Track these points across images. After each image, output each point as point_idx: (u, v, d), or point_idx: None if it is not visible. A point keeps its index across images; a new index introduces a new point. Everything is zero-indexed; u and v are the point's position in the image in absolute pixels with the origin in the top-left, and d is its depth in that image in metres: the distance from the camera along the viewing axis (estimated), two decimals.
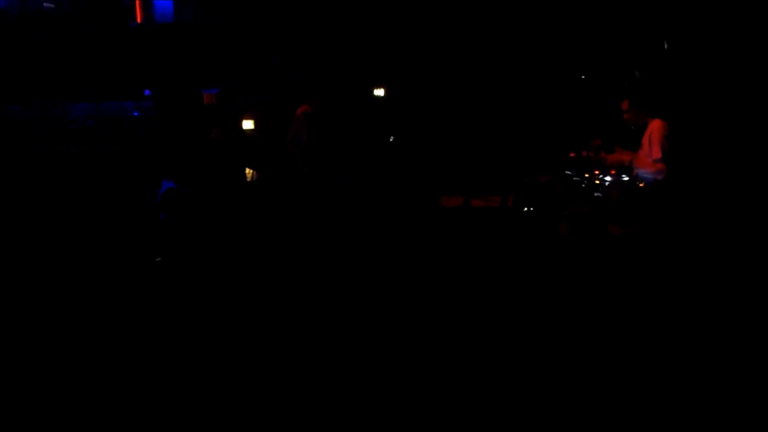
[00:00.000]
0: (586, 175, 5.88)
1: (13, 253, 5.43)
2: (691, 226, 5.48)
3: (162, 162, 7.25)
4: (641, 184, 5.72)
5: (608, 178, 5.82)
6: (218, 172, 7.25)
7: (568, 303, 4.77)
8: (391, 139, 7.66)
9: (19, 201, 6.37)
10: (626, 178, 5.78)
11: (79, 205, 6.54)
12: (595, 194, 5.81)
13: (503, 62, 7.99)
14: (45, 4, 9.02)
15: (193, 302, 4.97)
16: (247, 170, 7.65)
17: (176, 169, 7.03)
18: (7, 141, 7.93)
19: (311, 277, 5.36)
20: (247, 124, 8.27)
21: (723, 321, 4.47)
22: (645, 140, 5.75)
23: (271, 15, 8.85)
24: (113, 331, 4.54)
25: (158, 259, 5.77)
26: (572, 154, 6.01)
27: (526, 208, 5.94)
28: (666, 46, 6.66)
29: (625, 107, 5.90)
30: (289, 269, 5.53)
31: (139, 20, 9.24)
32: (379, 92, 8.23)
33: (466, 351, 4.25)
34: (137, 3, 9.16)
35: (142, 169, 7.18)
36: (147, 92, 8.77)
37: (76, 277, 5.38)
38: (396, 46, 8.36)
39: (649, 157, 5.68)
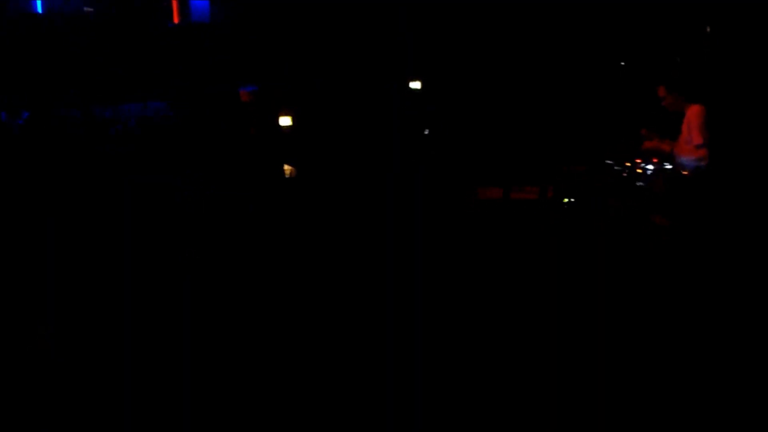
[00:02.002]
0: (628, 165, 5.76)
1: (51, 252, 5.49)
2: (736, 216, 5.34)
3: (199, 159, 7.30)
4: (684, 172, 5.60)
5: (650, 167, 5.70)
6: (256, 169, 7.26)
7: (612, 296, 4.68)
8: (426, 132, 7.59)
9: (62, 198, 6.45)
10: (669, 167, 5.66)
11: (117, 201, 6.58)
12: (638, 184, 5.69)
13: (540, 50, 7.88)
14: (85, 8, 9.13)
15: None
16: (286, 167, 7.66)
17: (213, 164, 7.07)
18: (53, 141, 8.05)
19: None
20: (285, 121, 8.28)
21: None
22: (684, 127, 5.64)
23: (305, 12, 8.86)
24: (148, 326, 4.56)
25: (191, 252, 5.76)
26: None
27: (566, 200, 5.85)
28: (708, 30, 6.51)
29: (662, 93, 5.77)
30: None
31: (176, 20, 9.31)
32: (415, 85, 8.17)
33: (504, 343, 4.20)
34: (174, 3, 9.23)
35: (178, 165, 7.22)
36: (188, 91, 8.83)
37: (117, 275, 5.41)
38: (430, 36, 8.30)
39: (689, 144, 5.57)
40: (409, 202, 6.32)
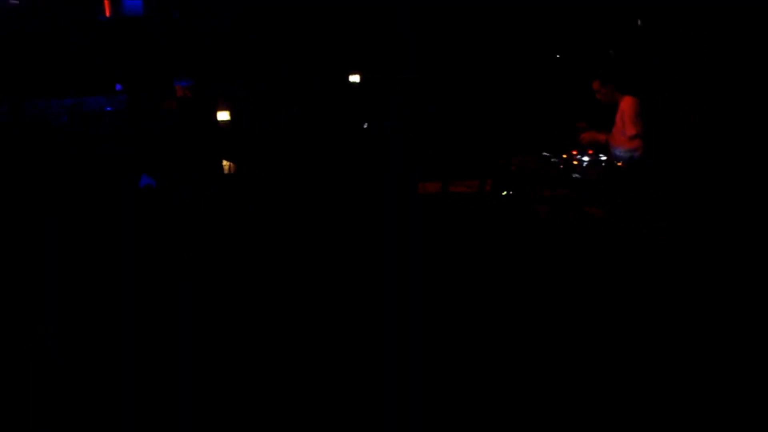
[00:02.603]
0: (564, 156, 5.84)
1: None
2: (670, 205, 5.46)
3: (138, 157, 7.16)
4: (619, 164, 5.71)
5: (586, 159, 5.79)
6: (195, 164, 7.16)
7: (550, 290, 4.72)
8: (365, 126, 7.58)
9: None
10: (604, 158, 5.76)
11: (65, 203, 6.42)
12: (574, 175, 5.78)
13: (476, 44, 7.92)
14: (11, 1, 8.87)
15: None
16: (224, 162, 7.58)
17: (154, 163, 6.94)
18: None
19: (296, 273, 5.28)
20: (222, 116, 8.19)
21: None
22: (618, 118, 5.78)
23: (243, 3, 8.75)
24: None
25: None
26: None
27: (504, 192, 5.90)
28: (639, 23, 6.63)
29: (596, 87, 5.90)
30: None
31: (107, 14, 9.10)
32: (354, 78, 8.15)
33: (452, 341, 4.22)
34: None
35: (121, 165, 7.08)
36: (118, 87, 8.65)
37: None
38: (371, 33, 8.28)
39: (623, 135, 5.71)
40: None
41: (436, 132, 7.57)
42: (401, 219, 5.67)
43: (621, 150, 5.74)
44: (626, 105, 5.76)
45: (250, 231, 5.91)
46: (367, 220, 5.85)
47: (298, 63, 8.55)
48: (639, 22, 6.54)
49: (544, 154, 5.88)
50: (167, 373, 3.94)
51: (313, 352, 4.16)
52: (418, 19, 8.02)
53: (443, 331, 4.36)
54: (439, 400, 3.68)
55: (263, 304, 4.77)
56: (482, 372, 3.88)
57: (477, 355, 4.08)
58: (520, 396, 3.66)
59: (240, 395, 3.79)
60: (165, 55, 8.81)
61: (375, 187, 6.39)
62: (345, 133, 7.46)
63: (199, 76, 8.55)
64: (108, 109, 8.71)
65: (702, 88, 5.94)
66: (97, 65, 8.72)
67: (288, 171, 6.98)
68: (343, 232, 5.75)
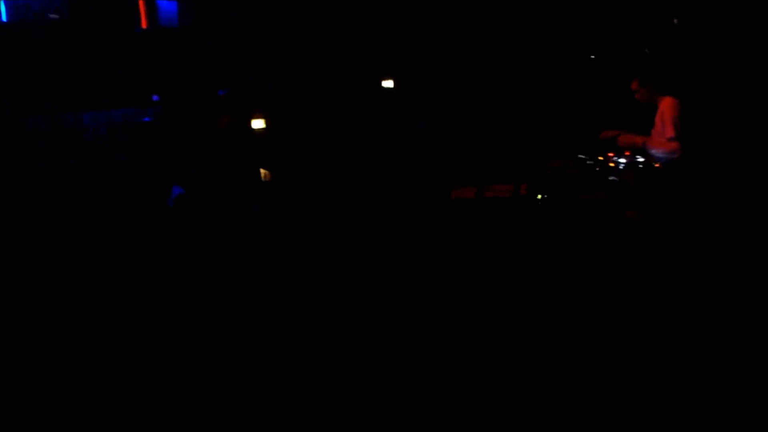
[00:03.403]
0: (600, 158, 5.74)
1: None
2: (709, 209, 5.33)
3: (173, 167, 7.21)
4: (657, 165, 5.59)
5: (623, 161, 5.68)
6: (231, 173, 7.18)
7: (583, 295, 4.65)
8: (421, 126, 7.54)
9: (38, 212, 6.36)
10: (641, 160, 5.64)
11: (97, 214, 6.49)
12: (610, 178, 5.67)
13: (508, 45, 7.85)
14: (50, 15, 9.01)
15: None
16: (261, 170, 7.59)
17: (188, 173, 6.98)
18: (23, 153, 7.94)
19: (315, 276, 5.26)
20: (257, 124, 8.21)
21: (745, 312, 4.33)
22: (657, 119, 5.67)
23: (275, 12, 8.79)
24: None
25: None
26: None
27: (540, 196, 5.81)
28: (676, 21, 6.50)
29: (635, 87, 5.79)
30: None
31: (144, 25, 9.22)
32: (388, 84, 8.12)
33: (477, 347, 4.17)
34: (141, 8, 9.13)
35: (155, 175, 7.14)
36: (155, 98, 8.73)
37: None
38: (401, 36, 8.26)
39: (662, 137, 5.59)
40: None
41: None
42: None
43: (659, 151, 5.62)
44: (666, 106, 5.64)
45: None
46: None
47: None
48: (675, 21, 6.41)
49: (580, 156, 5.78)
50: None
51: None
52: (447, 18, 7.99)
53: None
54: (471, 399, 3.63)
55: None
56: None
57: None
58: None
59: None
60: (200, 64, 8.88)
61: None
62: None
63: (235, 85, 8.60)
64: (146, 120, 8.81)
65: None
66: (132, 77, 8.82)
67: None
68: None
